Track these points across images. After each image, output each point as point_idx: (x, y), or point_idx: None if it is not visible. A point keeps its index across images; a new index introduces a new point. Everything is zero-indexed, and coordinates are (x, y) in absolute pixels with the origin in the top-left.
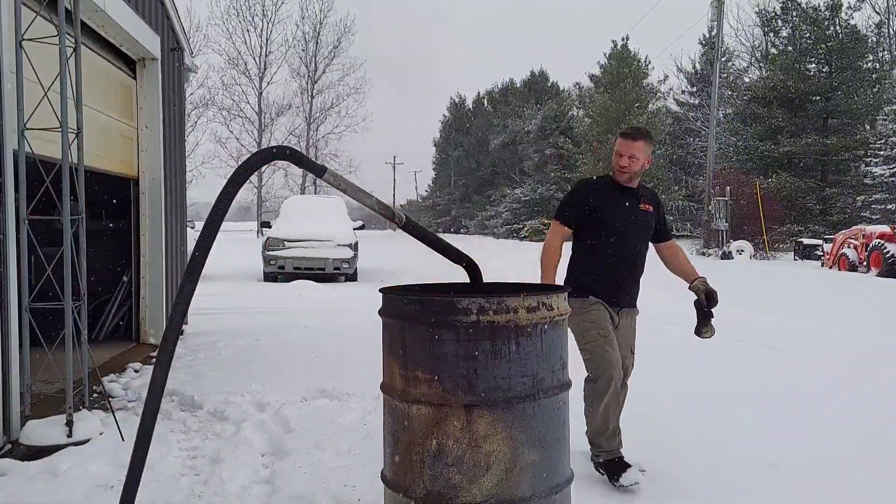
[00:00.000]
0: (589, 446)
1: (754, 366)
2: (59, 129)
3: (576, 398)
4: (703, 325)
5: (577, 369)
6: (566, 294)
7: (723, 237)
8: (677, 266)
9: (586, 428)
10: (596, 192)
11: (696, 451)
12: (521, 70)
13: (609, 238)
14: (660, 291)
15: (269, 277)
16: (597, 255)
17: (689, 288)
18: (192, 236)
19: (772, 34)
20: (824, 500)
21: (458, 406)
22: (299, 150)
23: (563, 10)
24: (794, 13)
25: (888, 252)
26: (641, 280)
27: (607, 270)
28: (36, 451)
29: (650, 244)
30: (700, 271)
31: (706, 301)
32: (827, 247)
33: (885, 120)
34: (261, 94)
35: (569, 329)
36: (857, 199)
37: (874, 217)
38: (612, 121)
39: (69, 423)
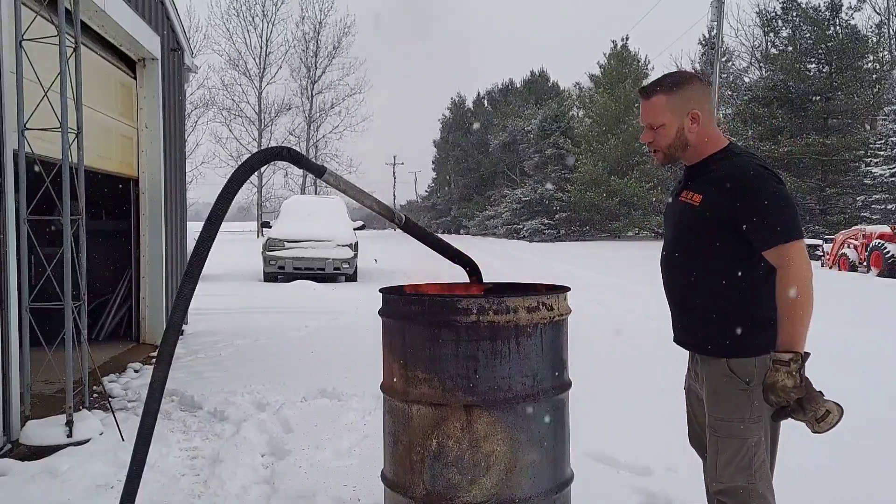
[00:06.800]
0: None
1: None
2: (59, 129)
3: (576, 398)
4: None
5: (577, 369)
6: (566, 294)
7: None
8: None
9: None
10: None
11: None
12: (521, 70)
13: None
14: None
15: (269, 277)
16: None
17: None
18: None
19: (772, 34)
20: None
21: (458, 406)
22: (299, 150)
23: (563, 10)
24: (795, 13)
25: (888, 252)
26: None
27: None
28: (36, 451)
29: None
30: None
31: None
32: (827, 247)
33: (885, 120)
34: (261, 94)
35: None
36: (858, 199)
37: (874, 217)
38: (612, 121)
39: (69, 423)
